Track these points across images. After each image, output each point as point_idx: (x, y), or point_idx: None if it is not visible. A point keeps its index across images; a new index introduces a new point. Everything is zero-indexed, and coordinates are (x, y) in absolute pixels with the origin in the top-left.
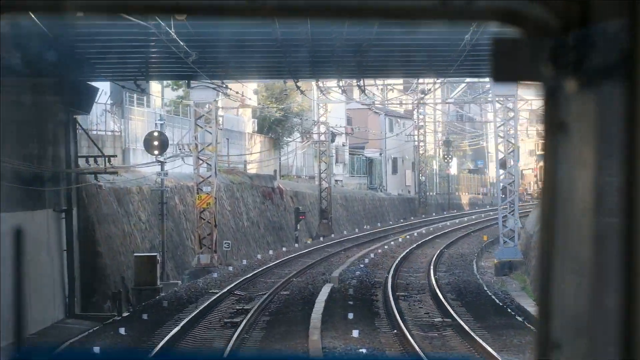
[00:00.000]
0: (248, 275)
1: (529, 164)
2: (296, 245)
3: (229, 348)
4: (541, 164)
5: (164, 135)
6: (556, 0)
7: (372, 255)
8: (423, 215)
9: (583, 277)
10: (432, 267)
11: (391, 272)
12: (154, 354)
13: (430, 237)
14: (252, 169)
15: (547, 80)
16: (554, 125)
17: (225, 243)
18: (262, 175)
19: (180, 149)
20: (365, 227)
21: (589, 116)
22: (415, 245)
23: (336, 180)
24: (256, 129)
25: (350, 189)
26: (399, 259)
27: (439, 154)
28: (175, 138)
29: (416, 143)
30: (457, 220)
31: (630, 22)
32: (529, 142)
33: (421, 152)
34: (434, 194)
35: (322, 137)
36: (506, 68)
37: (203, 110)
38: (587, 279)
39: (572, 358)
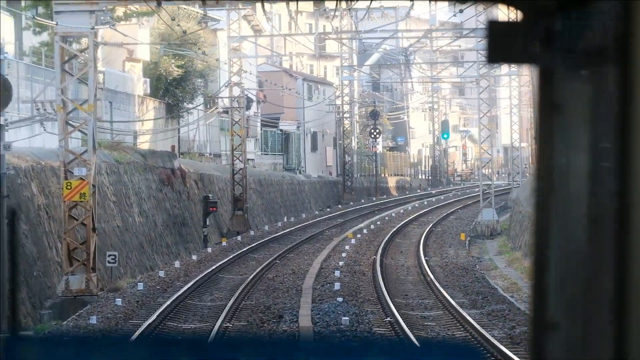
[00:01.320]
0: (152, 320)
1: (453, 141)
2: (208, 249)
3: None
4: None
5: (4, 78)
6: None
7: (336, 273)
8: (351, 203)
9: (578, 259)
10: (444, 295)
11: (392, 308)
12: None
13: (386, 236)
14: (143, 143)
15: (542, 62)
16: (549, 106)
17: (109, 256)
18: (158, 153)
19: (37, 109)
20: (287, 219)
21: (584, 97)
22: (381, 249)
23: (247, 159)
24: (149, 91)
25: (264, 170)
26: (378, 277)
27: (357, 129)
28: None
29: (339, 115)
30: (401, 210)
31: (625, 2)
32: (453, 117)
33: (346, 125)
34: (358, 176)
35: (235, 103)
36: (502, 49)
37: (74, 49)
38: (581, 261)
39: (566, 339)
